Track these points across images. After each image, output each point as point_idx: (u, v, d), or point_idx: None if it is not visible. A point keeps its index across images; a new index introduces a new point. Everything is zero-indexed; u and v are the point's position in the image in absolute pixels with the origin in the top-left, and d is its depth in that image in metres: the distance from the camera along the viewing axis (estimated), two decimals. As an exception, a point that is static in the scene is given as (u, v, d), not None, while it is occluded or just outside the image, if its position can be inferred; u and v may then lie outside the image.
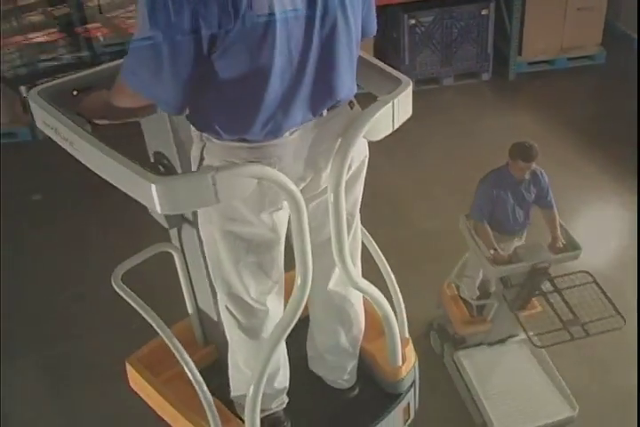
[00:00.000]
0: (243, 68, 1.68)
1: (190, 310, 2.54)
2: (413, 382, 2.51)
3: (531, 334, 3.76)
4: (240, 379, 2.31)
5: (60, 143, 1.90)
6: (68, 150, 1.88)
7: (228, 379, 2.39)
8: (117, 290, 2.26)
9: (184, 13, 1.57)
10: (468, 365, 4.09)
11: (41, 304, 4.65)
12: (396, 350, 2.40)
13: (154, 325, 2.28)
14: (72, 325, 4.47)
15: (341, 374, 2.50)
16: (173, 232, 2.42)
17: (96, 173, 1.82)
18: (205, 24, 1.59)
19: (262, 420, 2.21)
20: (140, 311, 2.27)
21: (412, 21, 6.41)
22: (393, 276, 2.41)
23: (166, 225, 2.31)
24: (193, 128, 1.93)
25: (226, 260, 2.06)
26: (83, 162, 1.84)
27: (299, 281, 1.92)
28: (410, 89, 2.04)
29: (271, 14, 1.62)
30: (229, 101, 1.75)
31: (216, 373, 2.42)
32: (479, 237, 3.98)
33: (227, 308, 2.18)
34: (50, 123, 1.90)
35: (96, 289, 3.72)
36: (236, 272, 2.07)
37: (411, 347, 2.51)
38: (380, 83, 2.04)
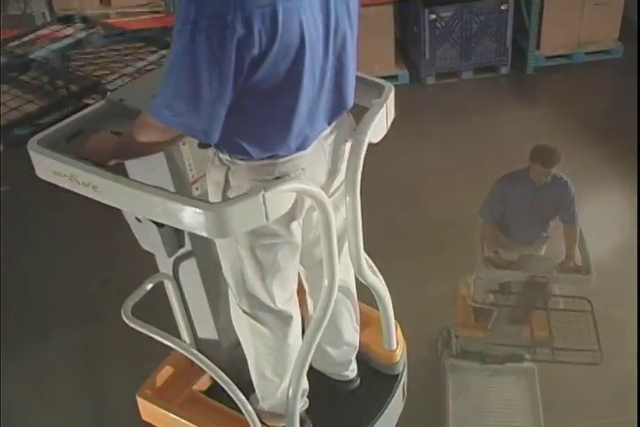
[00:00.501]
0: (276, 88, 1.71)
1: (187, 338, 2.54)
2: (405, 362, 2.66)
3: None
4: (268, 388, 2.34)
5: (74, 190, 1.85)
6: (88, 195, 1.84)
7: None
8: (129, 323, 2.27)
9: (227, 43, 1.57)
10: (451, 375, 3.96)
11: (71, 288, 4.79)
12: (392, 334, 2.53)
13: (177, 348, 2.33)
14: (100, 308, 4.60)
15: (346, 366, 2.58)
16: (167, 262, 2.34)
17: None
18: (247, 51, 1.59)
19: None
20: (158, 338, 2.30)
21: (433, 16, 6.52)
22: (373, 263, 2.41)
23: (165, 254, 2.23)
24: (212, 154, 1.95)
25: (253, 275, 2.07)
26: (109, 203, 1.82)
27: (326, 282, 2.00)
28: (393, 93, 2.14)
29: (302, 34, 1.67)
30: (262, 121, 1.78)
31: (222, 392, 2.43)
32: (484, 236, 3.87)
33: (252, 322, 2.19)
34: (62, 171, 1.84)
35: (124, 275, 3.84)
36: (263, 285, 2.09)
37: (399, 331, 2.63)
38: (366, 89, 2.13)
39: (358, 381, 2.63)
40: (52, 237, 5.20)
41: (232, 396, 2.25)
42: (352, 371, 2.61)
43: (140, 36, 2.65)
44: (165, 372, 2.56)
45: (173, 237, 2.15)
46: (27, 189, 4.13)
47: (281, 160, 1.86)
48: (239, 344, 2.42)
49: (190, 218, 1.68)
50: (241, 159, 1.86)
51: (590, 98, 6.46)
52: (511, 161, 4.03)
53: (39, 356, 4.35)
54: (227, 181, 1.90)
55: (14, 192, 5.28)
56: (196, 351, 2.34)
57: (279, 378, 2.28)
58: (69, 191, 1.87)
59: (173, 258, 2.29)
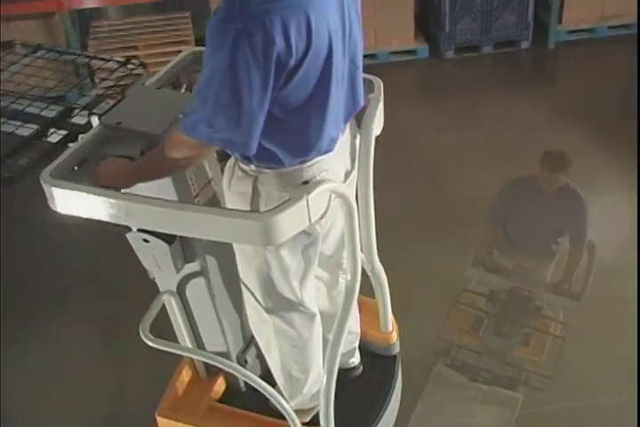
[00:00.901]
0: (307, 95, 1.74)
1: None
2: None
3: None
4: (295, 386, 2.38)
5: (100, 218, 1.80)
6: (117, 221, 1.81)
7: (247, 400, 2.51)
8: (151, 344, 2.25)
9: (269, 55, 1.58)
10: (430, 387, 3.65)
11: (88, 262, 4.82)
12: (388, 316, 2.61)
13: (213, 362, 2.32)
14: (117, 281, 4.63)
15: (352, 353, 2.62)
16: (172, 279, 2.30)
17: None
18: (285, 61, 1.61)
19: (313, 416, 2.42)
20: (187, 354, 2.34)
21: (454, -11, 6.46)
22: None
23: (174, 271, 2.20)
24: (233, 166, 1.96)
25: (280, 277, 2.08)
26: (143, 226, 1.82)
27: (349, 276, 2.05)
28: (382, 87, 2.17)
29: (330, 40, 1.71)
30: (295, 128, 1.81)
31: (236, 398, 2.50)
32: (483, 234, 3.75)
33: (278, 324, 2.21)
34: (85, 201, 1.79)
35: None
36: (290, 287, 2.12)
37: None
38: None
39: (361, 366, 2.68)
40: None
41: (272, 399, 2.25)
42: (356, 358, 2.66)
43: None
44: (178, 387, 2.57)
45: (181, 253, 2.13)
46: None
47: (308, 164, 1.89)
48: (244, 351, 2.49)
49: (239, 230, 1.69)
50: (269, 168, 1.88)
51: (612, 72, 6.38)
52: (530, 138, 3.95)
53: (61, 327, 4.40)
54: (255, 190, 1.91)
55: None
56: (229, 362, 2.33)
57: (305, 375, 2.33)
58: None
59: (181, 275, 2.26)
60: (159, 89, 2.12)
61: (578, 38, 6.84)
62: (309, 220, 1.74)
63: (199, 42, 5.89)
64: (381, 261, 2.40)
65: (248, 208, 1.92)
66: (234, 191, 1.97)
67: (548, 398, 3.56)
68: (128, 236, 2.06)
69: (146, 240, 2.03)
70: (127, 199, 1.76)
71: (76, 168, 1.91)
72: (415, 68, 6.40)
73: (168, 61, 2.29)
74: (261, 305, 2.18)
